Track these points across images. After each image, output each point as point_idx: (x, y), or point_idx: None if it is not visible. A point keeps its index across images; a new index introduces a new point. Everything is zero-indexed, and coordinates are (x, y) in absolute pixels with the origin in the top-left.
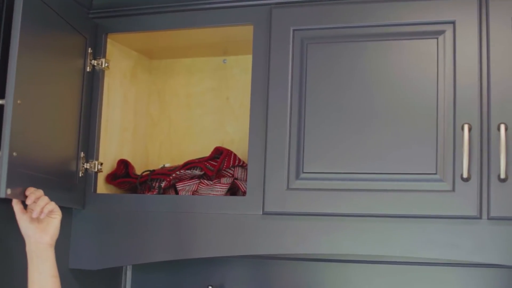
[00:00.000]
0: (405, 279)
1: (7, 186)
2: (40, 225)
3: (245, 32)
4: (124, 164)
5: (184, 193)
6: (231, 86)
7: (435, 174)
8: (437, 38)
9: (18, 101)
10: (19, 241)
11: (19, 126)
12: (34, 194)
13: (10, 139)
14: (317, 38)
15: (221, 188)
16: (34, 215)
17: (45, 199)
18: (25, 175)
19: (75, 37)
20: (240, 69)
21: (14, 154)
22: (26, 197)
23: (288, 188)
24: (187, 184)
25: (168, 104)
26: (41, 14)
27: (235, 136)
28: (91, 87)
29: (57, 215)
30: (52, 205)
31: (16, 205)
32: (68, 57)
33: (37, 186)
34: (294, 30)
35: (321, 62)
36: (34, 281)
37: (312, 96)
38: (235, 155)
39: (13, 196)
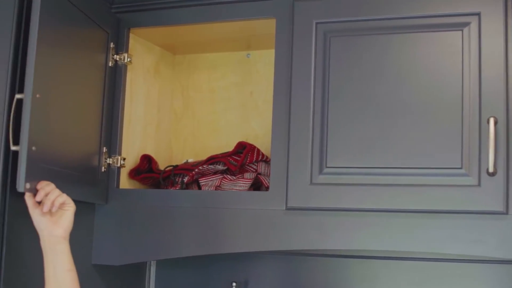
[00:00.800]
0: (430, 276)
1: (26, 181)
2: (52, 218)
3: (269, 26)
4: (147, 160)
5: (207, 188)
6: (255, 80)
7: (461, 168)
8: (462, 30)
9: (37, 95)
10: (34, 235)
11: (38, 120)
12: (43, 190)
13: (29, 133)
14: (340, 31)
15: (244, 183)
16: (45, 209)
17: (56, 192)
18: (44, 169)
19: (97, 32)
20: (264, 63)
21: (33, 148)
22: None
23: (311, 183)
24: (210, 179)
25: (191, 99)
26: (60, 9)
27: (259, 131)
28: (114, 82)
29: (70, 207)
30: (64, 198)
31: (29, 199)
32: (89, 51)
33: (58, 180)
34: (316, 23)
35: (344, 55)
36: (49, 275)
37: (335, 90)
38: (258, 150)
39: (32, 191)
